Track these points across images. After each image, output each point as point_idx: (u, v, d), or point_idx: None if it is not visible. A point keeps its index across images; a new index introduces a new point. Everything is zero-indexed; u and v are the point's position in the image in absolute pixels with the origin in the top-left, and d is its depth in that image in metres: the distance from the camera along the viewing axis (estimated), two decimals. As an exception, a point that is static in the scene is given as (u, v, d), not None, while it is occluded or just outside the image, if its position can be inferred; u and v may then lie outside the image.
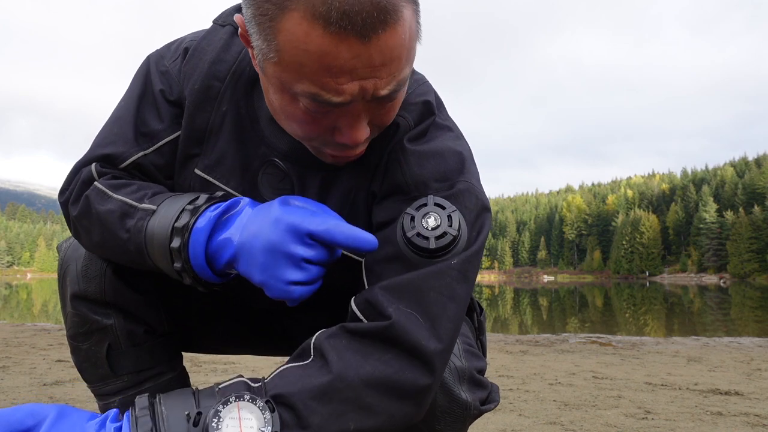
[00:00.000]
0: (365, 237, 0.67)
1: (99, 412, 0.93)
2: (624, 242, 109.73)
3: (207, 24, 0.90)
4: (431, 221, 0.70)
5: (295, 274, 0.67)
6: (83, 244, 0.88)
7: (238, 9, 0.86)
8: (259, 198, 0.82)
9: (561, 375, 3.27)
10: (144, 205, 0.77)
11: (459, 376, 0.73)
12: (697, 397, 2.61)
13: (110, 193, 0.80)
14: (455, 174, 0.76)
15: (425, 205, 0.72)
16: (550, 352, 4.62)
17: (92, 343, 0.90)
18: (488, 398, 0.77)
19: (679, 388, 2.85)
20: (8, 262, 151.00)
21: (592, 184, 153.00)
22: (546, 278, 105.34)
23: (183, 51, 0.87)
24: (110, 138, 0.87)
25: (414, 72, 0.85)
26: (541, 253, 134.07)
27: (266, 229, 0.68)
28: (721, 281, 71.22)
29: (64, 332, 0.97)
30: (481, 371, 0.77)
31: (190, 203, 0.74)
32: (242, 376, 0.67)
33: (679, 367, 3.80)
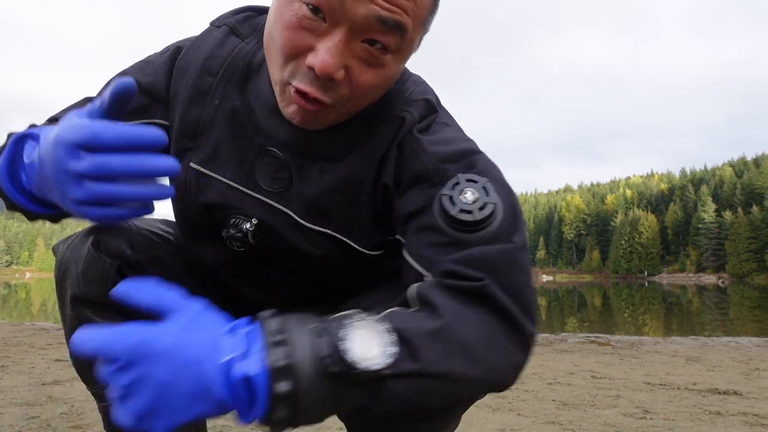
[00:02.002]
0: (146, 132, 0.62)
1: (100, 414, 0.93)
2: (623, 242, 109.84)
3: (207, 25, 0.92)
4: (469, 196, 0.70)
5: (76, 192, 0.63)
6: None
7: (235, 12, 0.88)
8: (256, 188, 0.82)
9: (560, 374, 3.27)
10: None
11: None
12: (695, 397, 2.61)
13: None
14: (472, 153, 0.78)
15: (458, 183, 0.72)
16: (548, 352, 4.62)
17: None
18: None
19: (678, 388, 2.86)
20: (7, 261, 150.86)
21: (591, 184, 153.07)
22: (545, 278, 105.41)
23: (174, 48, 0.88)
24: (66, 108, 0.89)
25: (412, 74, 0.87)
26: (540, 253, 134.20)
27: (49, 150, 0.65)
28: (720, 281, 71.31)
29: (63, 331, 0.96)
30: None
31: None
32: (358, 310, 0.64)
33: (677, 366, 3.80)
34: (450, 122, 0.84)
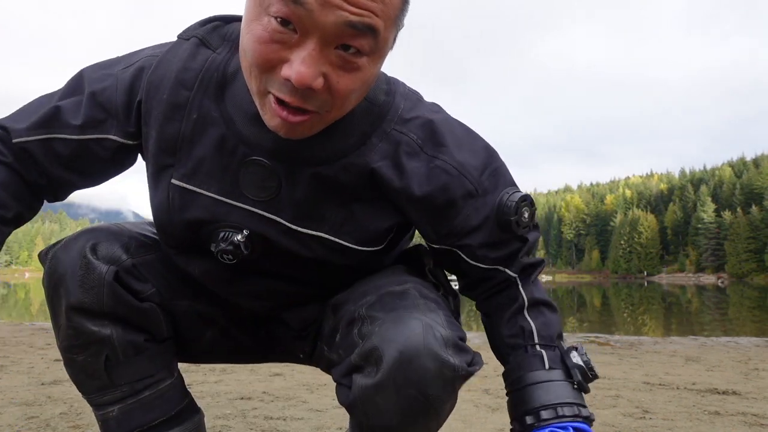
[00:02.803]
0: None
1: (97, 421, 0.93)
2: (622, 242, 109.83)
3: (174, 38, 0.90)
4: (526, 215, 0.87)
5: None
6: None
7: (202, 24, 0.88)
8: (242, 198, 0.83)
9: (559, 374, 3.27)
10: None
11: (444, 343, 0.76)
12: (694, 397, 2.61)
13: None
14: (490, 158, 0.89)
15: (515, 206, 0.86)
16: (548, 352, 4.62)
17: (89, 354, 0.88)
18: (473, 361, 0.80)
19: (677, 388, 2.86)
20: (6, 261, 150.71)
21: (591, 184, 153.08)
22: (544, 278, 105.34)
23: (138, 68, 0.86)
24: (19, 113, 0.89)
25: (397, 85, 0.87)
26: (540, 253, 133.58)
27: None
28: (719, 281, 71.29)
29: (56, 342, 0.94)
30: (463, 339, 0.81)
31: None
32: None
33: (676, 366, 3.80)
34: (449, 130, 0.86)
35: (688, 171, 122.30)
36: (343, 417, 2.02)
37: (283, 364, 3.55)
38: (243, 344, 1.04)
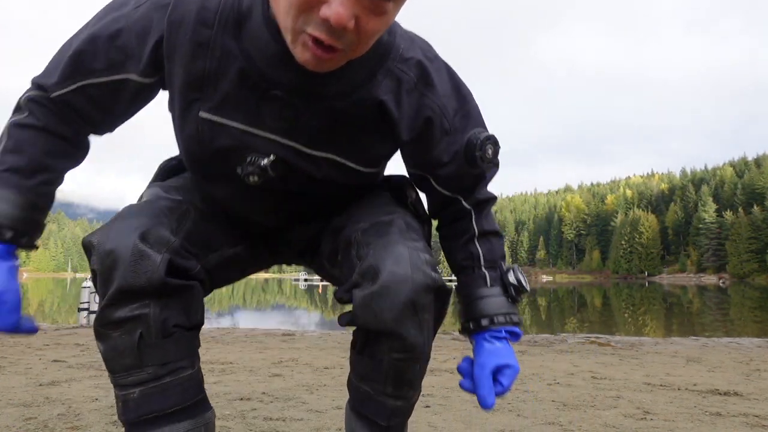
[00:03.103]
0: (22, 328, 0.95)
1: (116, 401, 0.94)
2: (623, 242, 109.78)
3: None
4: (490, 152, 1.04)
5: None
6: None
7: None
8: (264, 128, 0.93)
9: (559, 375, 3.26)
10: None
11: (426, 263, 0.92)
12: (696, 398, 2.60)
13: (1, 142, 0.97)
14: (465, 101, 1.04)
15: (480, 142, 1.02)
16: (548, 352, 4.61)
17: (124, 331, 0.90)
18: (441, 277, 0.96)
19: (678, 389, 2.85)
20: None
21: (591, 184, 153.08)
22: (544, 278, 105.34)
23: (151, 4, 0.92)
24: (49, 68, 0.98)
25: (398, 27, 0.97)
26: (540, 253, 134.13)
27: None
28: (721, 281, 71.24)
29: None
30: (437, 263, 0.98)
31: None
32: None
33: (678, 367, 3.79)
34: (437, 73, 0.99)
35: (689, 171, 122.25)
36: (343, 417, 2.01)
37: (282, 365, 3.53)
38: (259, 250, 1.17)
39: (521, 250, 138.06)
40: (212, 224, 1.07)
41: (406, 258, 0.90)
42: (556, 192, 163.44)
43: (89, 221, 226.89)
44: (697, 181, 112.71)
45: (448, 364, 3.65)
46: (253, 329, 6.73)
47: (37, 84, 0.98)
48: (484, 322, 1.06)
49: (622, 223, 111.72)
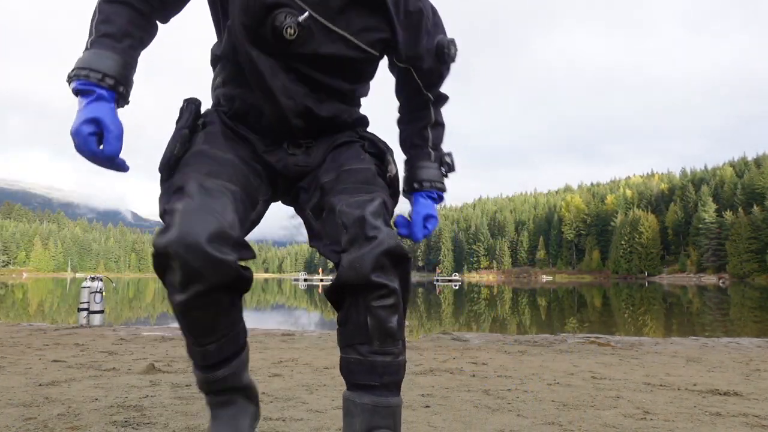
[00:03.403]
0: (116, 164, 1.14)
1: (193, 354, 1.20)
2: (623, 242, 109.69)
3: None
4: (453, 52, 1.41)
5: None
6: None
7: None
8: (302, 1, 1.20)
9: (559, 375, 3.26)
10: (88, 40, 1.17)
11: (396, 239, 1.15)
12: (695, 398, 2.60)
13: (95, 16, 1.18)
14: (435, 12, 1.42)
15: (447, 45, 1.40)
16: (548, 352, 4.61)
17: (203, 311, 1.11)
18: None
19: (678, 389, 2.84)
20: (4, 261, 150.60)
21: (591, 184, 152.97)
22: (544, 278, 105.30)
23: None
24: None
25: None
26: (540, 253, 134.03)
27: None
28: (720, 281, 71.21)
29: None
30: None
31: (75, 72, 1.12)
32: None
33: (677, 367, 3.79)
34: None
35: (689, 171, 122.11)
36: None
37: (282, 365, 3.53)
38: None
39: (521, 250, 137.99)
40: (246, 187, 1.25)
41: (382, 231, 1.13)
42: (556, 192, 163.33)
43: (89, 221, 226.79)
44: (697, 181, 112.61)
45: (447, 364, 3.65)
46: (252, 329, 6.72)
47: None
48: (426, 184, 1.48)
49: (621, 223, 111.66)
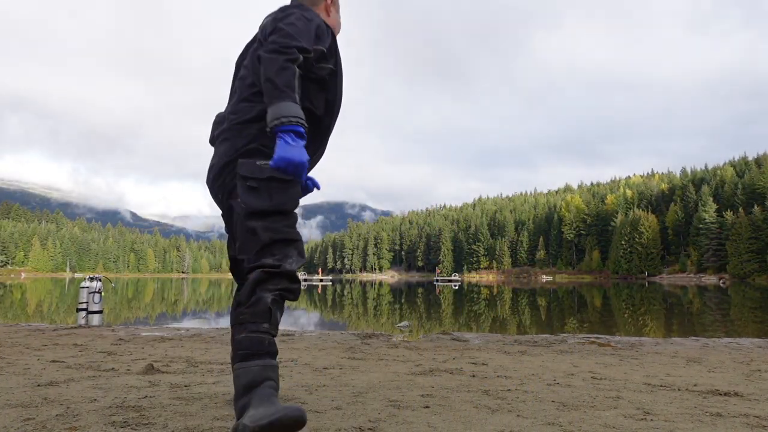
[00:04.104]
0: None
1: (271, 308, 1.67)
2: (623, 242, 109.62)
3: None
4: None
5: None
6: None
7: None
8: None
9: (559, 375, 3.25)
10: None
11: None
12: (696, 398, 2.59)
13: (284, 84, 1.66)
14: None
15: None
16: (548, 353, 4.60)
17: (278, 309, 1.70)
18: None
19: (679, 389, 2.84)
20: (2, 261, 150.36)
21: (591, 184, 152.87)
22: (544, 278, 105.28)
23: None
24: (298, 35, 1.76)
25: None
26: (540, 253, 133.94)
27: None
28: (721, 281, 71.18)
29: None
30: None
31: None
32: None
33: (678, 367, 3.78)
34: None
35: (689, 170, 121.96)
36: (342, 418, 2.01)
37: (281, 365, 3.51)
38: None
39: (521, 250, 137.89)
40: None
41: None
42: (556, 192, 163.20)
43: (88, 221, 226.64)
44: (697, 181, 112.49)
45: (447, 364, 3.64)
46: (252, 329, 6.70)
47: (299, 47, 1.72)
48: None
49: (622, 223, 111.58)
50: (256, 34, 1.90)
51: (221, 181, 1.82)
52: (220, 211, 1.92)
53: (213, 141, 1.92)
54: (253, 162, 1.72)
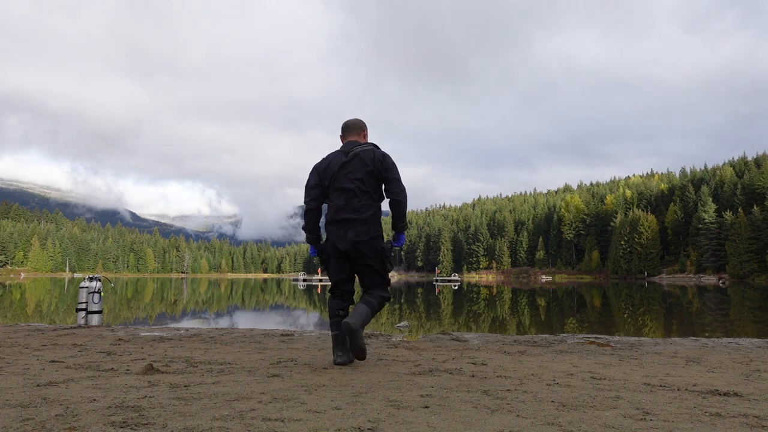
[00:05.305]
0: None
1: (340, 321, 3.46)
2: (622, 242, 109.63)
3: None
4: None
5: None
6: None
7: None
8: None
9: (559, 375, 3.25)
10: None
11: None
12: (695, 398, 2.59)
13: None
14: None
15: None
16: (548, 353, 4.60)
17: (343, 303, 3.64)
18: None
19: (678, 389, 2.84)
20: (1, 261, 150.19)
21: (591, 184, 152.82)
22: (544, 278, 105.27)
23: None
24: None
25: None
26: (539, 253, 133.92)
27: None
28: (720, 281, 71.19)
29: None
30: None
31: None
32: None
33: (677, 367, 3.78)
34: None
35: (688, 171, 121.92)
36: (342, 418, 2.00)
37: (281, 365, 3.51)
38: None
39: (521, 250, 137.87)
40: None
41: None
42: (556, 192, 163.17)
43: (87, 221, 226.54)
44: (697, 181, 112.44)
45: (447, 364, 3.64)
46: (251, 329, 6.71)
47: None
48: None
49: (621, 224, 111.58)
50: (346, 150, 3.62)
51: (359, 246, 3.50)
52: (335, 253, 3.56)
53: (337, 217, 3.53)
54: (383, 241, 3.62)
